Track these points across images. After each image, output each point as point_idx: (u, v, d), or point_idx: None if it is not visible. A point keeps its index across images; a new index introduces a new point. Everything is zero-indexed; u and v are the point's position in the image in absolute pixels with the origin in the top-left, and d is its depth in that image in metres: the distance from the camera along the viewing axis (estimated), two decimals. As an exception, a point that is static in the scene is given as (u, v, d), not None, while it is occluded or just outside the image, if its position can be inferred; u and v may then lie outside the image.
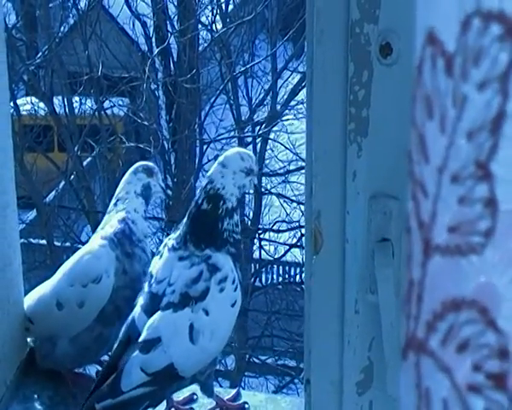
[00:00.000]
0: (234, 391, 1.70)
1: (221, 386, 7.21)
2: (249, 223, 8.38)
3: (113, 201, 1.80)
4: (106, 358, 1.70)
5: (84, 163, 8.63)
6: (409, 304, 0.42)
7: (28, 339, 1.75)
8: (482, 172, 0.38)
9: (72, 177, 8.46)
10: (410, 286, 0.42)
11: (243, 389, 7.38)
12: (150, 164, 1.84)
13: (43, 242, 8.30)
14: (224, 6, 8.82)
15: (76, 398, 1.67)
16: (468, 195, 0.38)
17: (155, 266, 1.58)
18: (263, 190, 8.54)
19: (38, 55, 8.57)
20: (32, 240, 8.28)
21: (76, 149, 8.18)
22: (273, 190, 8.58)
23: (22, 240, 7.93)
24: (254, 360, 7.96)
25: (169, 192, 8.55)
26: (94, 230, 8.23)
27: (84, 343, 1.69)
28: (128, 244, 1.71)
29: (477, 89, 0.37)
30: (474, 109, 0.37)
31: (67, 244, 8.53)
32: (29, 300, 1.77)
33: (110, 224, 1.74)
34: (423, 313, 0.41)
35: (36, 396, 1.72)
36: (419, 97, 0.41)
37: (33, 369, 1.78)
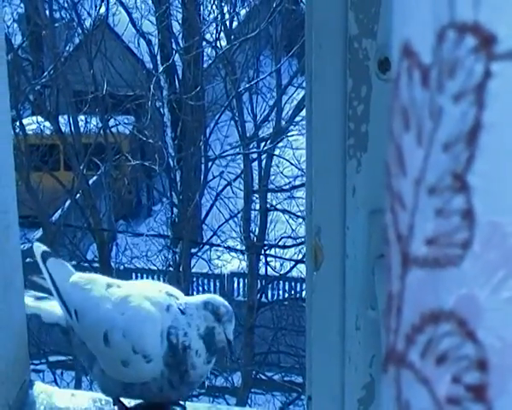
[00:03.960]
0: None
1: (228, 403, 7.19)
2: (255, 239, 8.38)
3: (183, 303, 1.58)
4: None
5: (90, 181, 8.65)
6: (388, 317, 0.41)
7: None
8: (459, 183, 0.37)
9: (78, 195, 8.48)
10: (389, 299, 0.42)
11: (250, 406, 7.36)
12: (225, 307, 1.59)
13: (50, 260, 8.31)
14: (228, 23, 8.86)
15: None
16: (445, 207, 0.38)
17: None
18: (268, 206, 8.54)
19: (44, 75, 8.62)
20: (38, 259, 8.29)
21: (82, 167, 8.20)
22: (278, 206, 8.59)
23: (28, 259, 7.92)
24: (261, 376, 7.94)
25: (175, 210, 8.56)
26: (100, 248, 8.27)
27: (107, 385, 1.66)
28: (177, 379, 1.56)
29: (453, 101, 0.37)
30: (451, 121, 0.37)
31: (73, 263, 8.54)
32: (80, 289, 1.62)
33: (176, 333, 1.55)
34: (402, 326, 0.40)
35: (38, 416, 1.71)
36: (396, 110, 0.41)
37: (36, 389, 1.77)
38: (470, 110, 0.35)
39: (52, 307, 1.71)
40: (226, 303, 1.63)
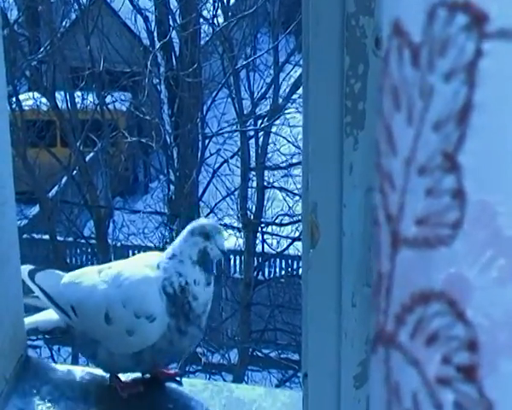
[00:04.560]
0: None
1: (224, 380, 7.22)
2: (251, 216, 8.38)
3: (170, 250, 1.63)
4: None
5: (87, 158, 8.64)
6: (378, 297, 0.42)
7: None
8: (450, 163, 0.37)
9: (75, 172, 8.46)
10: (378, 279, 0.42)
11: (246, 383, 7.39)
12: (210, 224, 1.64)
13: (46, 237, 8.31)
14: (225, 0, 8.81)
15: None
16: (435, 186, 0.38)
17: None
18: (265, 183, 8.54)
19: (40, 51, 8.58)
20: (34, 235, 8.30)
21: (78, 143, 8.19)
22: (275, 184, 8.59)
23: (25, 235, 7.95)
24: (257, 353, 7.97)
25: (171, 187, 8.56)
26: (96, 224, 8.27)
27: (120, 364, 1.68)
28: (184, 321, 1.60)
29: (444, 79, 0.37)
30: (441, 100, 0.37)
31: (70, 239, 8.54)
32: (72, 285, 1.67)
33: (170, 281, 1.60)
34: (392, 306, 0.41)
35: (35, 391, 1.72)
36: (386, 89, 0.41)
37: (33, 364, 1.78)
38: (461, 89, 0.35)
39: (47, 316, 1.75)
40: (210, 221, 1.71)
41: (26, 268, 1.76)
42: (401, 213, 0.39)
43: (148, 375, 1.73)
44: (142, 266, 1.65)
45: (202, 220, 1.67)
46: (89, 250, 8.88)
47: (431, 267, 0.38)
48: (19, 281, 1.75)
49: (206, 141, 8.70)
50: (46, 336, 1.95)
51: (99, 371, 1.75)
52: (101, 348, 1.66)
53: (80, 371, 1.81)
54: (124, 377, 1.73)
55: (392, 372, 0.40)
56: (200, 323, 1.63)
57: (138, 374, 1.74)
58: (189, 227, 1.65)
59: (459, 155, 0.36)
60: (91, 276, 1.68)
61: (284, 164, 8.67)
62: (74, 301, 1.67)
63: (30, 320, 1.77)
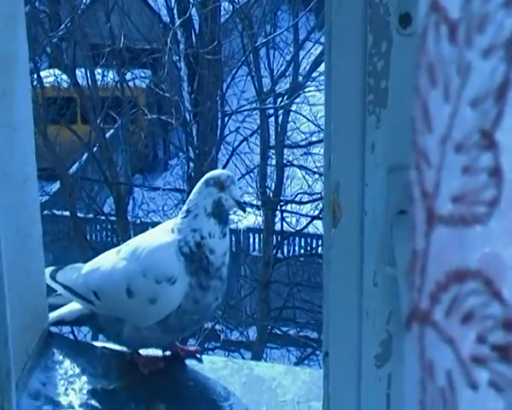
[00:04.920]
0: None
1: (243, 357, 7.26)
2: (271, 195, 8.38)
3: (185, 207, 1.64)
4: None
5: (107, 135, 8.65)
6: (412, 275, 0.41)
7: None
8: (487, 140, 0.36)
9: (95, 149, 8.48)
10: (413, 257, 0.41)
11: (265, 360, 7.42)
12: (224, 174, 1.64)
13: (67, 213, 8.35)
14: (245, -24, 8.76)
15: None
16: (472, 164, 0.37)
17: None
18: (284, 161, 8.52)
19: (61, 27, 8.58)
20: (55, 211, 8.34)
21: (99, 121, 8.20)
22: (295, 162, 8.57)
23: (46, 211, 7.99)
24: (276, 331, 7.99)
25: (191, 164, 8.57)
26: (116, 201, 8.30)
27: (146, 338, 1.68)
28: (204, 276, 1.60)
29: (482, 56, 0.36)
30: (479, 77, 0.36)
31: (90, 216, 8.58)
32: (92, 272, 1.69)
33: (185, 241, 1.61)
34: (427, 284, 0.40)
35: (57, 366, 1.74)
36: (423, 65, 0.40)
37: (55, 340, 1.80)
38: (499, 66, 0.34)
39: (71, 307, 1.77)
40: (224, 171, 1.71)
41: (47, 270, 1.78)
42: (437, 191, 0.39)
43: (168, 352, 1.74)
44: (158, 235, 1.67)
45: (216, 171, 1.67)
46: (108, 227, 8.92)
47: (466, 246, 0.37)
48: (41, 257, 1.76)
49: (226, 119, 8.68)
50: (72, 326, 1.98)
51: (119, 348, 1.76)
52: (126, 326, 1.67)
53: (101, 346, 1.83)
54: (145, 353, 1.74)
55: (427, 350, 0.40)
56: (221, 274, 1.63)
57: (159, 352, 1.75)
58: (203, 179, 1.65)
59: (496, 132, 0.36)
60: (110, 258, 1.70)
61: (304, 142, 8.64)
62: (96, 286, 1.69)
63: (55, 314, 1.80)
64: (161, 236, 1.66)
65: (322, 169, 8.16)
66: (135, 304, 1.63)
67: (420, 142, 0.39)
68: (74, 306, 1.77)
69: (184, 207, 1.65)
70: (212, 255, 1.61)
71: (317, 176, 8.22)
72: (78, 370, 1.73)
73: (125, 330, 1.68)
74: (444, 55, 0.37)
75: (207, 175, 1.65)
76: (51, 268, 1.80)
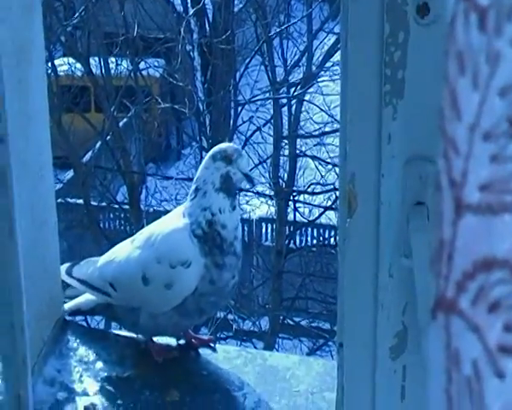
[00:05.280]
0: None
1: (255, 347, 7.27)
2: (284, 185, 8.37)
3: (193, 186, 1.65)
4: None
5: (121, 124, 8.66)
6: (439, 264, 0.41)
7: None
8: (515, 129, 0.36)
9: (109, 137, 8.50)
10: (440, 245, 0.41)
11: (277, 350, 7.43)
12: (231, 147, 1.64)
13: (80, 201, 8.38)
14: (259, -34, 8.74)
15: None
16: (500, 152, 0.37)
17: None
18: (297, 152, 8.51)
19: (75, 16, 8.58)
20: (69, 199, 8.36)
21: (112, 109, 8.21)
22: (308, 152, 8.55)
23: (60, 200, 8.01)
24: (288, 321, 8.00)
25: (204, 153, 8.57)
26: (129, 190, 8.31)
27: (163, 325, 1.69)
28: (219, 254, 1.61)
29: (511, 45, 0.36)
30: (508, 66, 0.36)
31: (104, 204, 8.60)
32: (108, 264, 1.71)
33: (197, 223, 1.61)
34: (453, 273, 0.40)
35: (72, 353, 1.75)
36: (451, 53, 0.40)
37: (70, 327, 1.81)
38: (529, 55, 0.34)
39: (87, 297, 1.79)
40: (231, 144, 1.71)
41: (63, 267, 1.79)
42: (465, 179, 0.38)
43: (182, 341, 1.75)
44: (170, 221, 1.68)
45: (223, 145, 1.67)
46: (122, 215, 8.94)
47: (494, 234, 0.37)
48: (56, 245, 1.77)
49: (239, 108, 8.68)
50: (88, 316, 1.99)
51: (133, 336, 1.77)
52: (143, 314, 1.68)
53: (115, 334, 1.84)
54: (159, 342, 1.74)
55: (452, 339, 0.40)
56: (235, 250, 1.64)
57: (173, 340, 1.75)
58: (210, 153, 1.66)
59: (525, 121, 0.35)
60: (125, 248, 1.71)
61: (317, 132, 8.63)
62: (112, 277, 1.70)
63: (71, 304, 1.81)
64: (173, 221, 1.67)
65: (335, 159, 8.16)
66: (151, 291, 1.64)
67: (448, 130, 0.38)
68: (90, 296, 1.78)
69: (192, 187, 1.66)
70: (224, 230, 1.61)
71: (329, 166, 8.21)
72: (92, 357, 1.74)
73: (141, 318, 1.68)
74: (473, 44, 0.37)
75: (214, 149, 1.65)
76: (67, 265, 1.81)
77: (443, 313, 0.40)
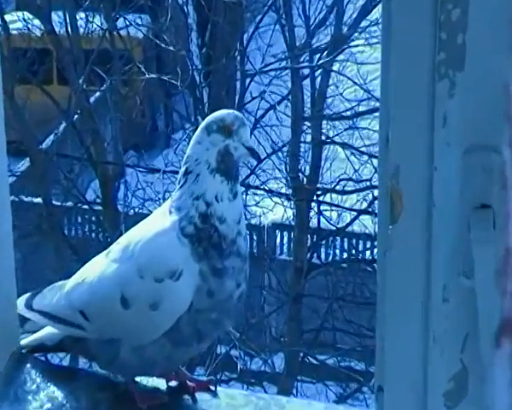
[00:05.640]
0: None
1: (266, 392, 7.29)
2: (305, 181, 8.39)
3: (183, 169, 1.65)
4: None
5: (92, 99, 8.70)
6: (504, 278, 0.43)
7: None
8: None
9: (76, 117, 8.53)
10: (506, 256, 0.43)
11: (295, 396, 7.44)
12: (230, 114, 1.64)
13: (38, 200, 8.40)
14: None
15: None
16: None
17: None
18: (323, 138, 8.53)
19: (32, -42, 8.63)
20: (23, 197, 8.39)
21: (81, 80, 8.24)
22: (337, 139, 8.57)
23: (12, 197, 8.02)
24: (310, 360, 8.01)
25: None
26: (103, 186, 8.34)
27: (151, 359, 1.70)
28: (217, 256, 1.62)
29: None
30: None
31: (69, 204, 8.64)
32: (77, 287, 1.72)
33: (187, 218, 1.62)
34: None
35: (30, 398, 1.76)
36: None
37: (27, 363, 1.82)
38: None
39: (52, 330, 1.80)
40: (230, 111, 1.69)
41: (21, 300, 1.81)
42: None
43: (174, 382, 1.76)
44: (154, 222, 1.69)
45: (219, 112, 1.67)
46: (93, 219, 8.97)
47: None
48: (10, 255, 1.79)
49: (247, 80, 8.70)
50: (54, 352, 2.01)
51: (110, 375, 1.78)
52: (124, 347, 1.69)
53: (85, 374, 1.85)
54: (144, 383, 1.76)
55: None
56: (239, 249, 1.64)
57: (162, 381, 1.77)
58: (202, 124, 1.66)
59: None
60: (97, 265, 1.72)
61: (348, 113, 8.65)
62: (82, 304, 1.71)
63: (31, 339, 1.82)
64: (157, 222, 1.68)
65: (373, 148, 8.16)
66: (133, 316, 1.65)
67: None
68: (54, 329, 1.79)
69: (181, 170, 1.67)
70: (224, 225, 1.62)
71: (365, 157, 8.22)
72: (57, 402, 1.75)
73: (121, 352, 1.70)
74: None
75: (208, 119, 1.66)
76: (26, 296, 1.82)
77: (509, 339, 0.42)
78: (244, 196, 8.59)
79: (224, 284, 1.63)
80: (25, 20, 8.80)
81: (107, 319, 1.70)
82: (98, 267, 1.72)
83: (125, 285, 1.66)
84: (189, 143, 1.61)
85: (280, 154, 8.52)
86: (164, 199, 8.45)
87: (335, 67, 8.64)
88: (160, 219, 1.67)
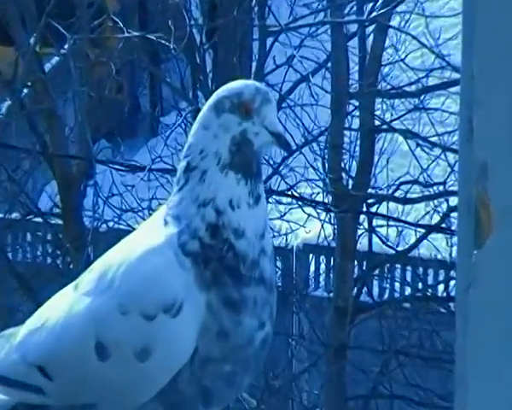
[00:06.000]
0: None
1: None
2: (350, 184, 8.39)
3: (183, 164, 1.68)
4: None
5: (47, 67, 8.72)
6: None
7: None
8: None
9: (26, 92, 8.56)
10: None
11: None
12: (249, 86, 1.67)
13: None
14: None
15: None
16: None
17: None
18: (377, 123, 8.51)
19: None
20: None
21: (32, 40, 8.27)
22: (397, 124, 8.55)
23: None
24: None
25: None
26: (63, 190, 8.36)
27: None
28: (232, 283, 1.63)
29: None
30: None
31: (15, 216, 8.66)
32: (33, 335, 1.74)
33: (190, 230, 1.65)
34: None
35: None
36: None
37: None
38: None
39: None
40: (247, 81, 1.73)
41: None
42: None
43: None
44: (143, 237, 1.72)
45: (233, 84, 1.70)
46: (48, 237, 8.99)
47: None
48: None
49: (269, 41, 8.71)
50: None
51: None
52: None
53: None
54: None
55: None
56: (263, 272, 1.66)
57: None
58: (210, 100, 1.69)
59: None
60: (62, 302, 1.73)
61: (414, 87, 8.64)
62: (41, 357, 1.73)
63: None
64: (148, 237, 1.71)
65: (447, 138, 8.12)
66: (113, 370, 1.66)
67: None
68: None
69: (181, 165, 1.69)
70: (241, 240, 1.64)
71: (437, 151, 8.21)
72: None
73: None
74: None
75: (218, 94, 1.69)
76: None
77: None
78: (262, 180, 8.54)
79: (241, 322, 1.64)
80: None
81: (77, 377, 1.71)
82: (63, 305, 1.73)
83: (102, 327, 1.67)
84: (186, 130, 1.61)
85: (315, 145, 8.52)
86: (150, 209, 8.48)
87: (394, 21, 8.64)
88: (152, 233, 1.69)
